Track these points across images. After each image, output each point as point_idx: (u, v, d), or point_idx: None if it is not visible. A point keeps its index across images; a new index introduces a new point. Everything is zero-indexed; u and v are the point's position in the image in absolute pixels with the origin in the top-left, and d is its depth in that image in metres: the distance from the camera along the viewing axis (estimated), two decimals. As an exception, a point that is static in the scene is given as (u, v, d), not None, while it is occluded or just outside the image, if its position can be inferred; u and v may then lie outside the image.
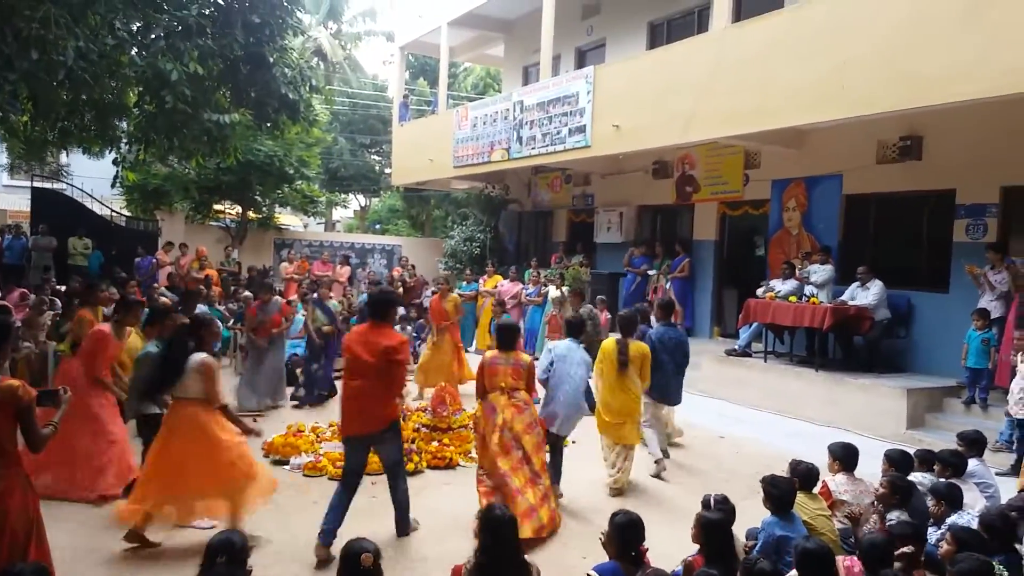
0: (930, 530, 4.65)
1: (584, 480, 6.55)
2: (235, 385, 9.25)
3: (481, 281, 14.66)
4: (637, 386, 6.49)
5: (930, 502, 4.75)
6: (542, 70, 14.15)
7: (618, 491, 6.41)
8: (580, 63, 15.67)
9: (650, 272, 13.25)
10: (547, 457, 5.92)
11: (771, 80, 9.37)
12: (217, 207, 21.20)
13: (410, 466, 6.72)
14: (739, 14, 10.74)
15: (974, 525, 4.24)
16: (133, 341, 6.39)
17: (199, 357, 4.96)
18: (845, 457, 5.06)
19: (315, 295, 10.18)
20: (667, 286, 12.88)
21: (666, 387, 7.29)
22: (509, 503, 5.18)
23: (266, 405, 9.10)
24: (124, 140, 11.71)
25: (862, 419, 8.79)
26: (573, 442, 7.20)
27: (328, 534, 4.87)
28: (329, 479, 6.48)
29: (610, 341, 6.60)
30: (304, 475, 6.63)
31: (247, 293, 11.62)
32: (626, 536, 3.55)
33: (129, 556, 4.82)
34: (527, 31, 16.68)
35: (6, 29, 7.39)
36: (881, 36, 8.21)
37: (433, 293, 11.45)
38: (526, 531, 5.24)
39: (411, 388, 9.55)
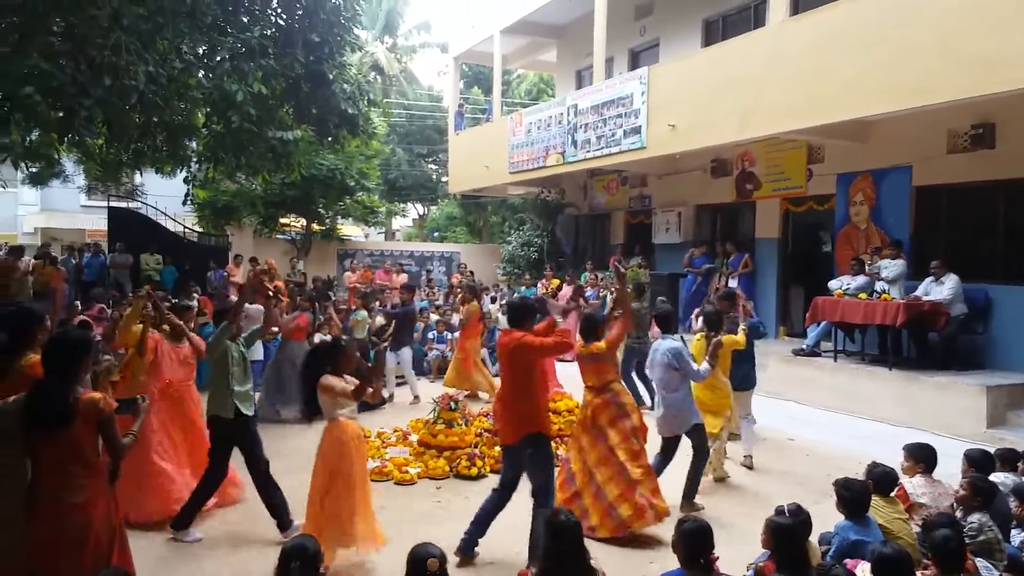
0: (1013, 532, 4.47)
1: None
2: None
3: (540, 285, 14.68)
4: (723, 383, 6.61)
5: (1013, 503, 4.56)
6: (595, 73, 14.11)
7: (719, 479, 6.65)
8: (633, 64, 15.55)
9: (710, 267, 12.95)
10: (640, 446, 5.56)
11: (830, 72, 9.16)
12: (283, 220, 21.81)
13: (473, 471, 6.80)
14: (796, 7, 10.53)
15: (1063, 528, 4.05)
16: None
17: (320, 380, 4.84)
18: (923, 458, 4.87)
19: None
20: (734, 285, 12.63)
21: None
22: (580, 501, 5.40)
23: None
24: (194, 159, 12.14)
25: (939, 418, 8.46)
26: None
27: (466, 544, 4.89)
28: (395, 483, 6.58)
29: (700, 337, 6.77)
30: (370, 480, 6.71)
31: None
32: (694, 543, 3.45)
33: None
34: (579, 35, 16.66)
35: (80, 58, 7.76)
36: (940, 23, 7.98)
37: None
38: (602, 532, 5.27)
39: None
